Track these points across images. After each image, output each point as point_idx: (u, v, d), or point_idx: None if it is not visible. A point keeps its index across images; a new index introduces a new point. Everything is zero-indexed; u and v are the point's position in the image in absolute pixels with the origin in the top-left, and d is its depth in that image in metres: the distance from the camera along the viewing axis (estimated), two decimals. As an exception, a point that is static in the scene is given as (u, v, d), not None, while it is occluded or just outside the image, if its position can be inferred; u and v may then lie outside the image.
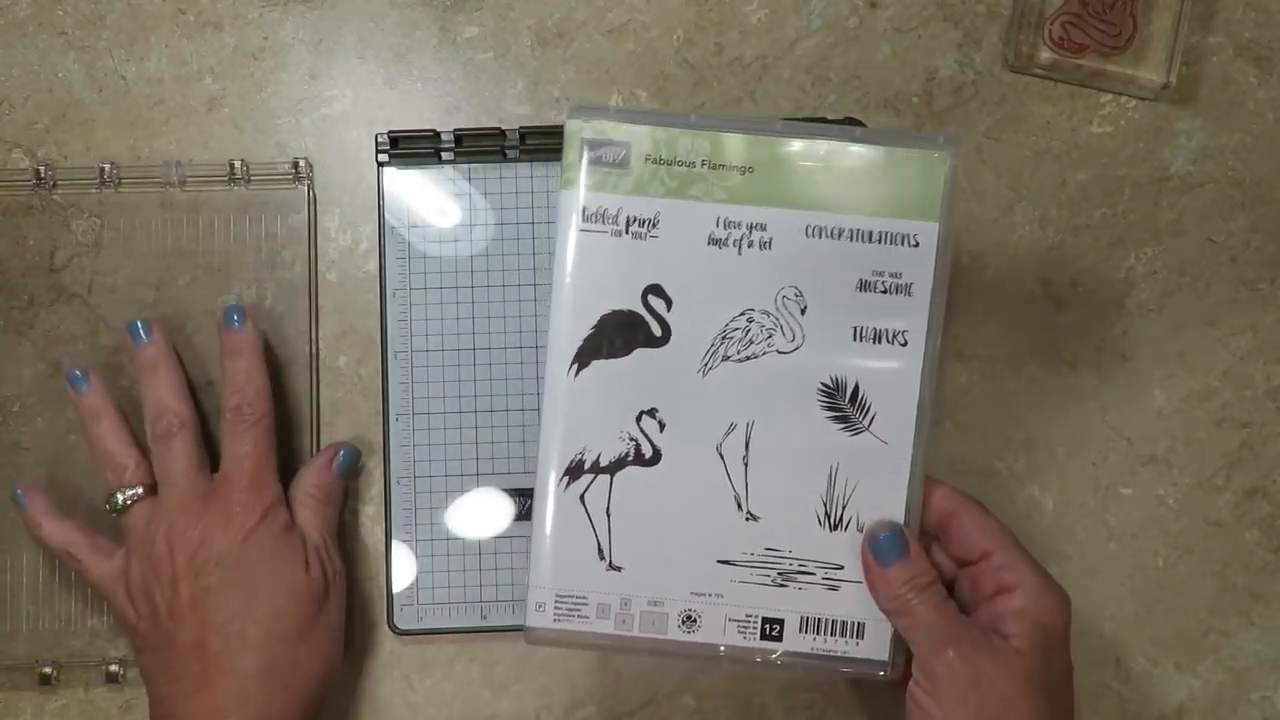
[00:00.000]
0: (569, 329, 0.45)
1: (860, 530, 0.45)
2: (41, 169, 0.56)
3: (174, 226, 0.56)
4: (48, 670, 0.54)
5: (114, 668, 0.54)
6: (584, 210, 0.45)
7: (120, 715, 0.55)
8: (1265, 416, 0.57)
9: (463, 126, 0.56)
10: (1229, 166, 0.57)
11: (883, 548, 0.44)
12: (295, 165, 0.56)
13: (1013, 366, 0.56)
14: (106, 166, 0.56)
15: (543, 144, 0.55)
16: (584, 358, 0.45)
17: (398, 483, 0.55)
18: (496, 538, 0.55)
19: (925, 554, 0.45)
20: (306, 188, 0.56)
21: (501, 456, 0.55)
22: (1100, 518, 0.56)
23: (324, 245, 0.56)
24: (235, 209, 0.56)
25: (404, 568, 0.54)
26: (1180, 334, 0.57)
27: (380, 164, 0.56)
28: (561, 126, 0.55)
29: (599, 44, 0.57)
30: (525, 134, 0.55)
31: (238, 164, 0.55)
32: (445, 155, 0.56)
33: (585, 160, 0.45)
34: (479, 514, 0.55)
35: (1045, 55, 0.57)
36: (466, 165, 0.56)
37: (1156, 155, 0.57)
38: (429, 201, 0.56)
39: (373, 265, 0.56)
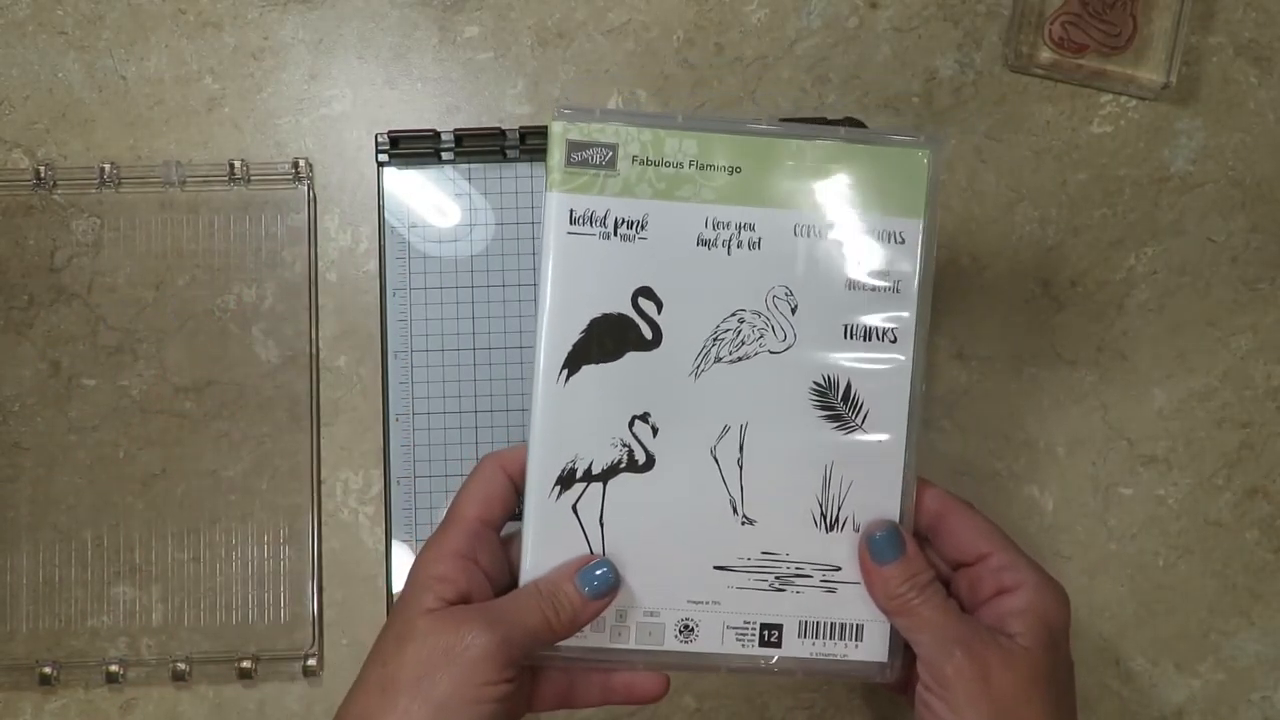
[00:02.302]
0: (558, 333, 0.44)
1: (856, 530, 0.45)
2: (41, 169, 0.56)
3: (174, 226, 0.56)
4: (48, 670, 0.54)
5: (114, 668, 0.54)
6: (571, 212, 0.44)
7: (120, 715, 0.55)
8: (1265, 416, 0.57)
9: (463, 126, 0.56)
10: (1229, 166, 0.57)
11: (879, 546, 0.44)
12: (295, 165, 0.56)
13: (1013, 366, 0.56)
14: (106, 166, 0.55)
15: (542, 144, 0.55)
16: (574, 362, 0.44)
17: (398, 483, 0.55)
18: (496, 538, 0.55)
19: (922, 553, 0.45)
20: (306, 188, 0.56)
21: (501, 456, 0.55)
22: (1100, 518, 0.56)
23: (324, 245, 0.56)
24: (235, 209, 0.56)
25: (404, 568, 0.54)
26: (1180, 334, 0.57)
27: (380, 164, 0.56)
28: (561, 126, 0.56)
29: (599, 44, 0.57)
30: (525, 134, 0.55)
31: (238, 164, 0.55)
32: (445, 155, 0.56)
33: (571, 162, 0.44)
34: (479, 514, 0.55)
35: (1045, 55, 0.57)
36: (466, 165, 0.56)
37: (1156, 155, 0.57)
38: (429, 201, 0.56)
39: (373, 265, 0.56)
